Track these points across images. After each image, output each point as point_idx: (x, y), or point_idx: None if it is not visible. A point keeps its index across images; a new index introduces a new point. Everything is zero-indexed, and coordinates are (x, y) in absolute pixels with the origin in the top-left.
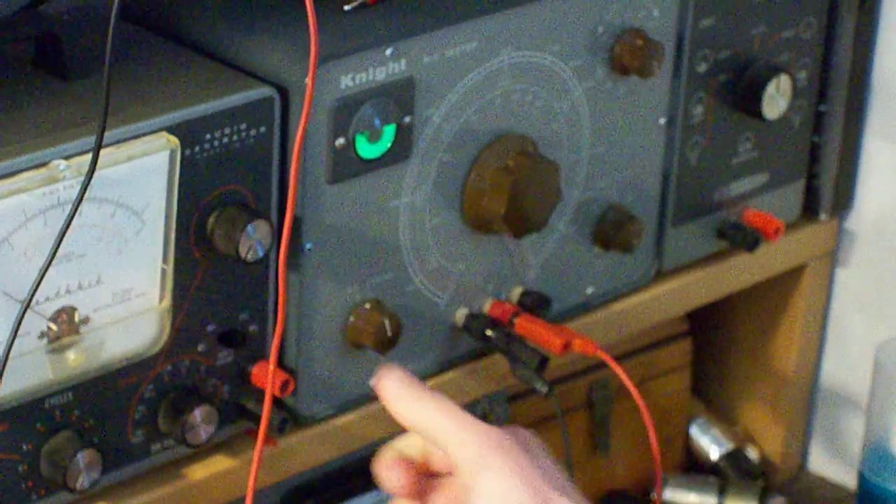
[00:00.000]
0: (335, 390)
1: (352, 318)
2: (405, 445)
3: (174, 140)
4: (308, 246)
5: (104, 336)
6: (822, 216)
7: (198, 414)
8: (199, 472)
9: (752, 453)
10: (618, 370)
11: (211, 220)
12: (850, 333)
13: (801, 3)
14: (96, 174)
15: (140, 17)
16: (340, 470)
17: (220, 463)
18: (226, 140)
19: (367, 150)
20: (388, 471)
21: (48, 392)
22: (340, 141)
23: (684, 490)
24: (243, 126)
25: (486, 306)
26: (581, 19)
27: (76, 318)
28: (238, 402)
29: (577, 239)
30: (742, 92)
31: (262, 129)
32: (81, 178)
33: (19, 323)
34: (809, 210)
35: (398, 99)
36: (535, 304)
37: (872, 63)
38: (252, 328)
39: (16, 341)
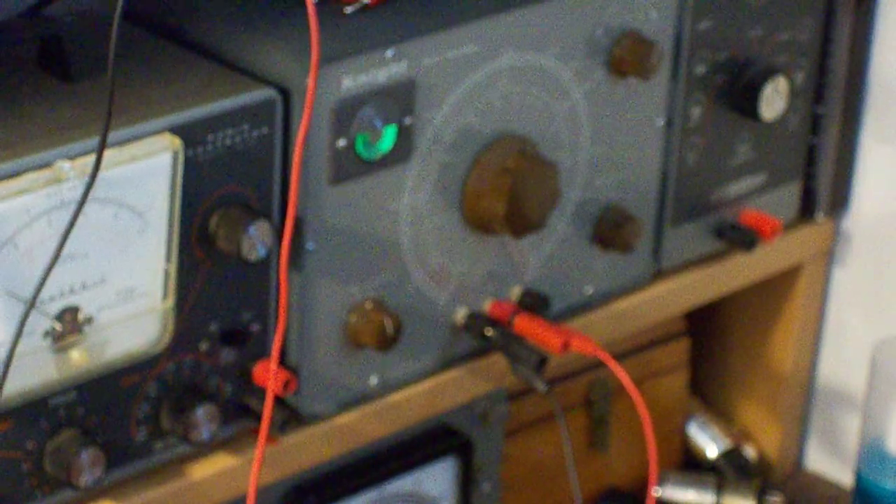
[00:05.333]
0: (336, 389)
1: (353, 318)
2: None
3: (177, 141)
4: (309, 246)
5: (108, 335)
6: (819, 216)
7: (200, 412)
8: (201, 470)
9: (750, 452)
10: (616, 369)
11: (213, 220)
12: (846, 332)
13: (798, 5)
14: (100, 175)
15: (143, 20)
16: (342, 468)
17: (222, 461)
18: (228, 141)
19: (368, 151)
20: None
21: (52, 391)
22: (341, 142)
23: (682, 488)
24: (245, 127)
25: (486, 306)
26: (580, 22)
27: (80, 318)
28: (240, 400)
29: (577, 239)
30: (739, 93)
31: (264, 130)
32: (85, 179)
33: (24, 322)
34: (806, 210)
35: (399, 100)
36: (534, 303)
37: (869, 65)
38: (254, 327)
39: (20, 340)
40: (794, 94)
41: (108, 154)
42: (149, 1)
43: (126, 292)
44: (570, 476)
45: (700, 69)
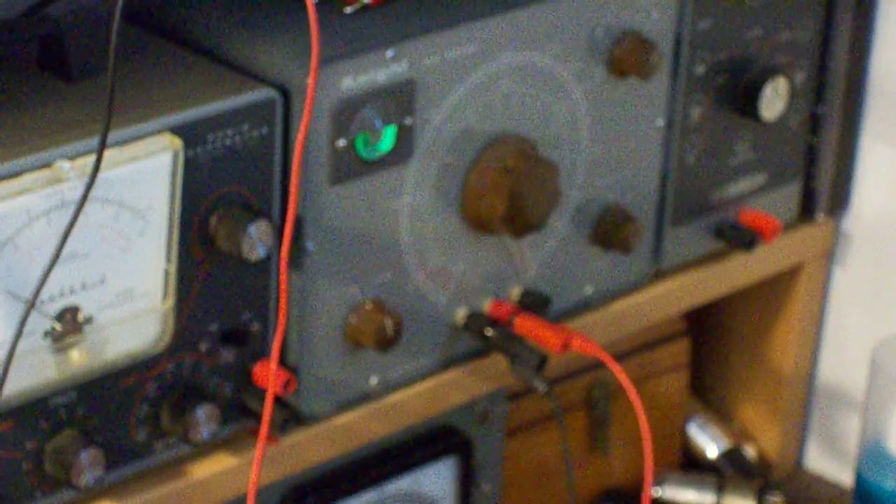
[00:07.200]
0: (336, 389)
1: (353, 318)
2: None
3: (177, 141)
4: (309, 246)
5: (108, 335)
6: (819, 216)
7: (200, 412)
8: (201, 470)
9: (750, 451)
10: (616, 369)
11: (213, 220)
12: (846, 332)
13: (798, 6)
14: (100, 175)
15: (143, 19)
16: (342, 468)
17: (222, 461)
18: (228, 141)
19: (368, 151)
20: None
21: (52, 391)
22: (341, 142)
23: (682, 488)
24: (245, 127)
25: (486, 306)
26: (580, 21)
27: (80, 318)
28: (240, 400)
29: (577, 239)
30: (740, 93)
31: (264, 130)
32: (85, 179)
33: (24, 322)
34: (806, 210)
35: (399, 100)
36: (534, 303)
37: (869, 65)
38: (254, 327)
39: (20, 340)
40: (794, 94)
41: (108, 154)
42: (149, 1)
43: (126, 292)
44: (567, 476)
45: (700, 69)
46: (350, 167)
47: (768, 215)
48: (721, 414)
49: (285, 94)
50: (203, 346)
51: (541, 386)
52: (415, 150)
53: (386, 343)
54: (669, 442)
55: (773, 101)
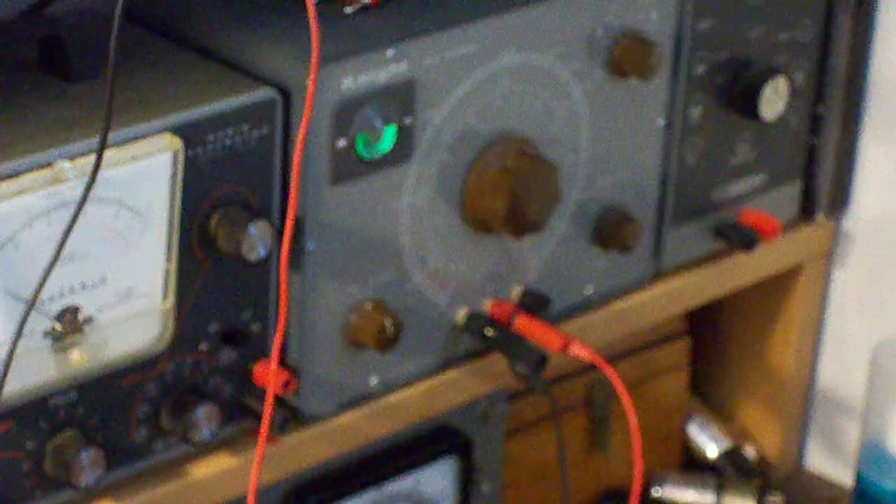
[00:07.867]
0: (336, 389)
1: (353, 318)
2: None
3: (177, 141)
4: (309, 246)
5: (108, 335)
6: (819, 217)
7: (200, 412)
8: (201, 470)
9: (750, 452)
10: (612, 375)
11: (213, 220)
12: (846, 333)
13: (798, 6)
14: (100, 175)
15: (143, 19)
16: (342, 468)
17: (222, 461)
18: (228, 141)
19: (368, 151)
20: None
21: (52, 390)
22: (341, 142)
23: (682, 488)
24: (245, 127)
25: (486, 306)
26: (580, 21)
27: (80, 318)
28: (240, 400)
29: (577, 239)
30: (740, 93)
31: (265, 130)
32: (85, 179)
33: (24, 322)
34: (806, 210)
35: (399, 100)
36: (534, 303)
37: (869, 65)
38: (254, 327)
39: (20, 340)
40: (794, 94)
41: (108, 154)
42: (149, 1)
43: (126, 292)
44: (561, 475)
45: (700, 69)
46: (350, 167)
47: (768, 215)
48: (721, 414)
49: (285, 94)
50: (203, 346)
51: (539, 385)
52: (415, 150)
53: (386, 343)
54: (669, 442)
55: (773, 101)
